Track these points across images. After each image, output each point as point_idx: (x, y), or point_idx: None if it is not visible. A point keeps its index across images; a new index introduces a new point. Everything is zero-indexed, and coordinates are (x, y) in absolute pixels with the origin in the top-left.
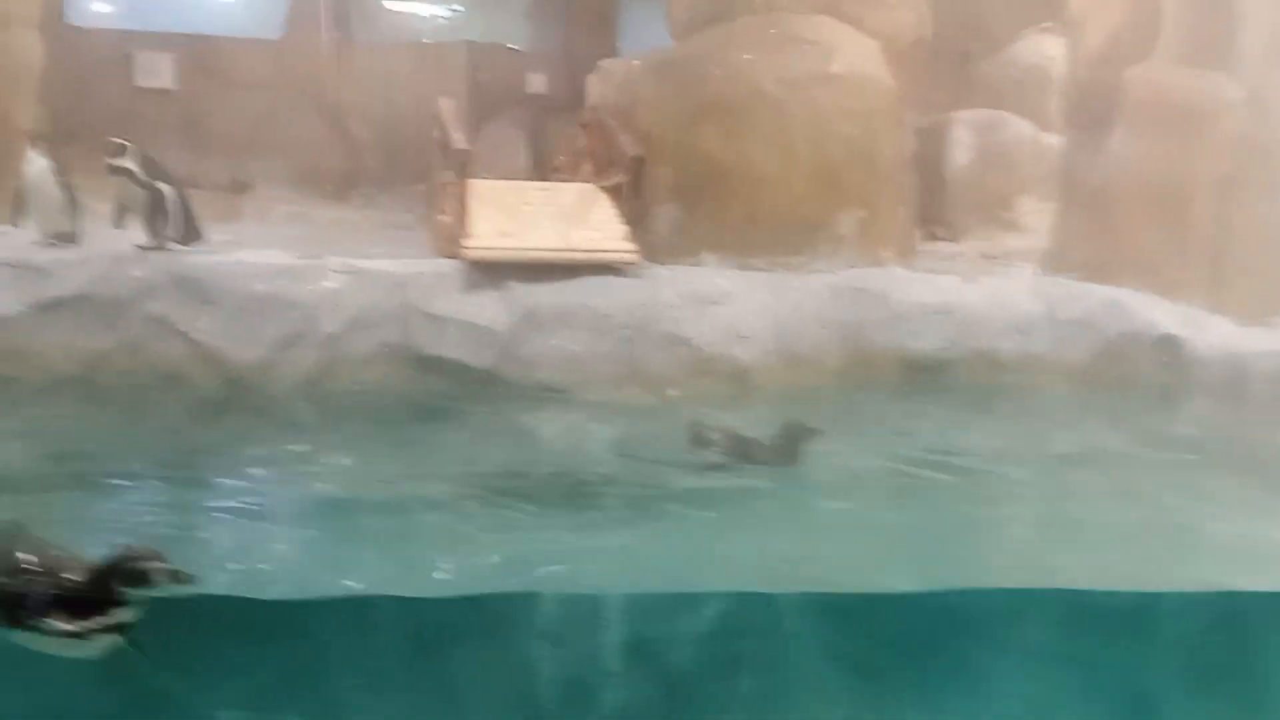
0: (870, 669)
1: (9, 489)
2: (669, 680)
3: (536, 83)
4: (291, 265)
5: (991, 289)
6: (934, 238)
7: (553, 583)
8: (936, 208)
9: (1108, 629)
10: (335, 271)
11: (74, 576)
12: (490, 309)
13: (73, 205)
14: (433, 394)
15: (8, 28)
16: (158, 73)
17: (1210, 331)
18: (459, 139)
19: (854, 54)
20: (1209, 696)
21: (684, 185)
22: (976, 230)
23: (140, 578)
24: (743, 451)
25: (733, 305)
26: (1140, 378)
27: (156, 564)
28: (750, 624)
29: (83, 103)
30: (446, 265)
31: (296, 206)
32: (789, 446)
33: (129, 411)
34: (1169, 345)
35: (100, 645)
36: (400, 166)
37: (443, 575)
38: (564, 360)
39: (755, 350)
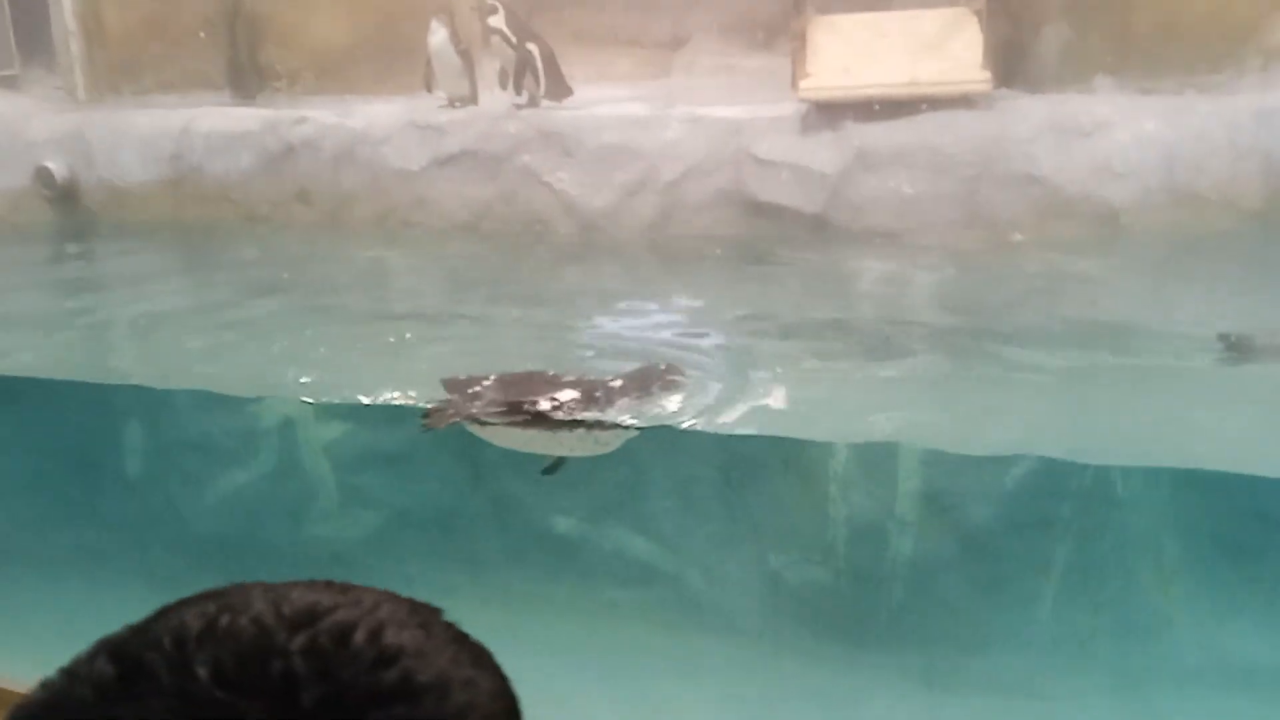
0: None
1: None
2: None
3: None
4: (640, 115)
5: None
6: None
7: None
8: None
9: None
10: (678, 121)
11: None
12: (823, 151)
13: (471, 69)
14: (762, 239)
15: None
16: None
17: None
18: None
19: None
20: None
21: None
22: None
23: (674, 386)
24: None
25: (1108, 136)
26: None
27: (681, 377)
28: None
29: None
30: (786, 108)
31: (725, 58)
32: None
33: (507, 253)
34: None
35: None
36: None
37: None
38: (898, 203)
39: (1132, 188)
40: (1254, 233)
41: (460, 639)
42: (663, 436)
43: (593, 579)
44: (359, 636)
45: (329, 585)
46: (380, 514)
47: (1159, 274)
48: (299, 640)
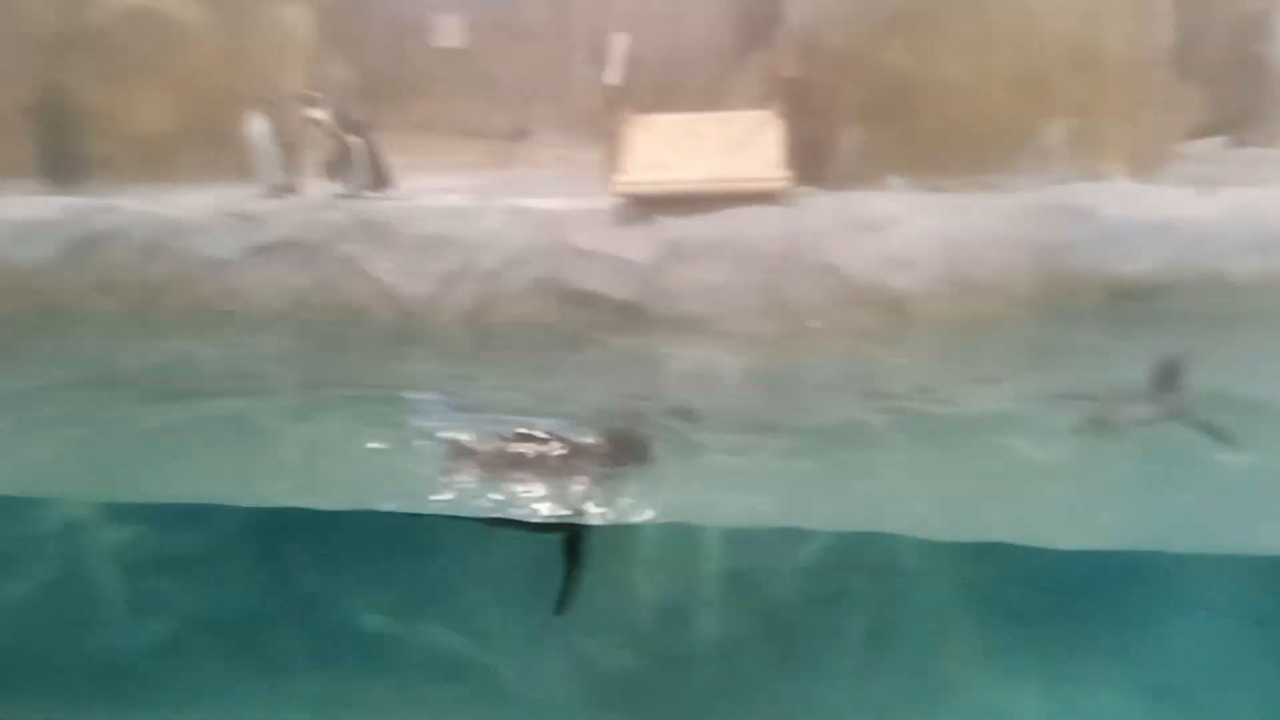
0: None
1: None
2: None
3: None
4: (460, 206)
5: (1232, 201)
6: (1243, 142)
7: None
8: (1254, 108)
9: None
10: (498, 211)
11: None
12: (636, 243)
13: (289, 161)
14: (579, 325)
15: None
16: (451, 32)
17: None
18: (611, 74)
19: None
20: None
21: (869, 104)
22: None
23: (643, 451)
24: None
25: (894, 231)
26: None
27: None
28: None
29: (389, 63)
30: (601, 201)
31: (565, 150)
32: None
33: (325, 341)
34: None
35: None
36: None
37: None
38: (706, 291)
39: (917, 278)
40: (1020, 318)
41: None
42: (473, 527)
43: (403, 677)
44: None
45: None
46: (172, 621)
47: (944, 357)
48: None
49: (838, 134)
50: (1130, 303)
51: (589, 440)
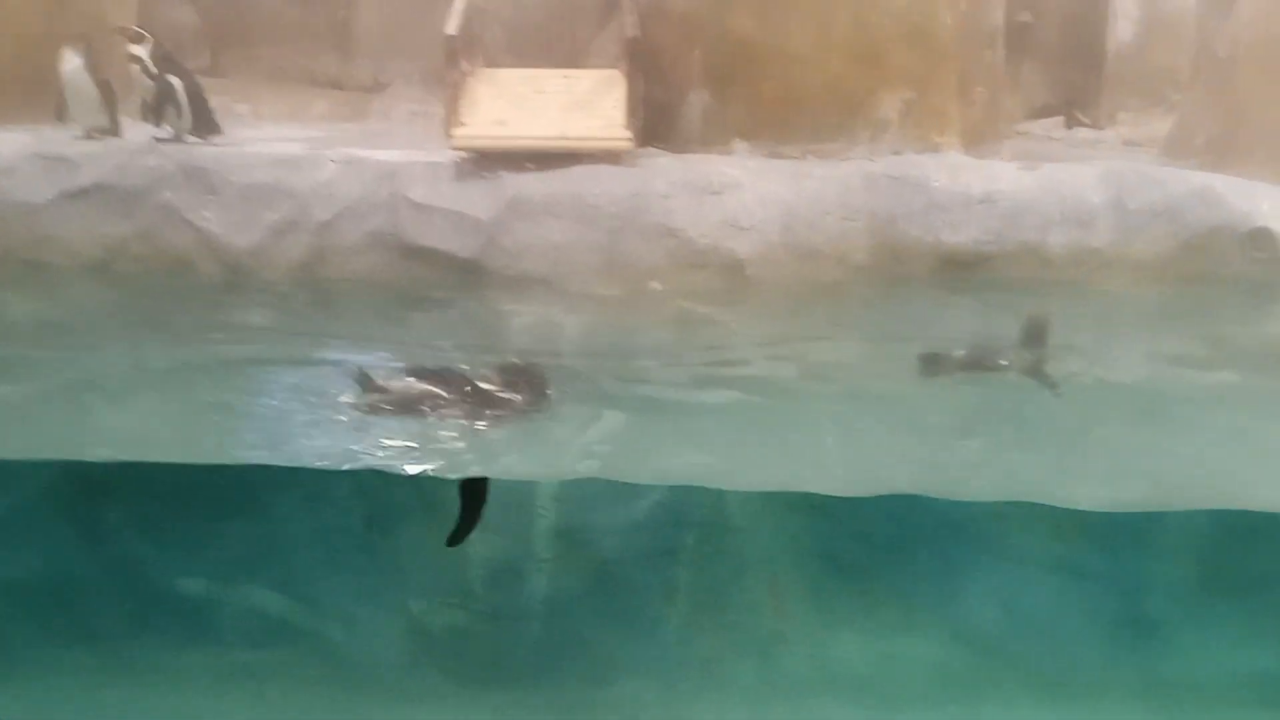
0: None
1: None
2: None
3: None
4: (291, 155)
5: (1048, 176)
6: (1077, 122)
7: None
8: (1086, 88)
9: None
10: (332, 162)
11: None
12: (477, 198)
13: (112, 100)
14: (419, 283)
15: None
16: None
17: None
18: (451, 25)
19: None
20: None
21: (715, 68)
22: (1140, 114)
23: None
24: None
25: (735, 195)
26: (1226, 276)
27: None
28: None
29: (235, 6)
30: (442, 155)
31: (424, 105)
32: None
33: (145, 293)
34: (1264, 239)
35: None
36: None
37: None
38: (548, 250)
39: (755, 243)
40: (855, 284)
41: None
42: (303, 483)
43: (225, 643)
44: None
45: None
46: None
47: (782, 320)
48: None
49: (685, 97)
50: (958, 270)
51: (492, 381)
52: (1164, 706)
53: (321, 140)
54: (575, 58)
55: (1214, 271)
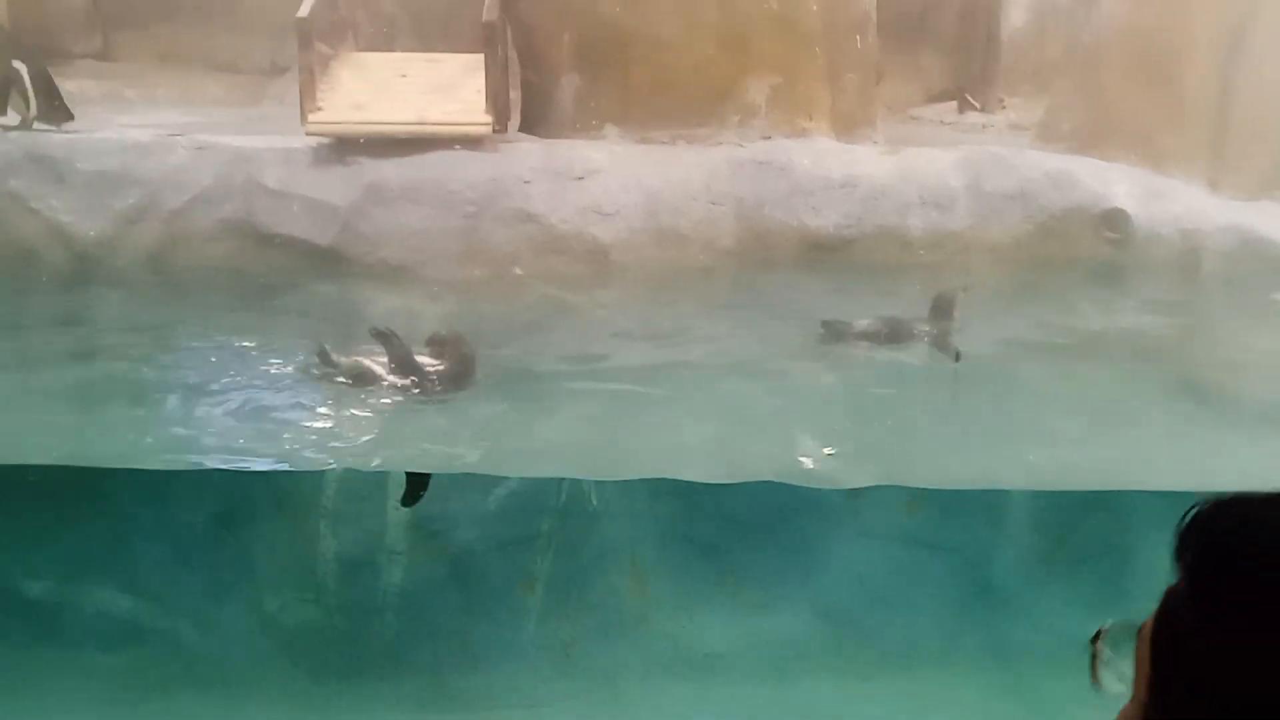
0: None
1: None
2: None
3: None
4: (142, 142)
5: (908, 161)
6: (968, 107)
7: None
8: (979, 75)
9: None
10: (184, 148)
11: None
12: (333, 185)
13: None
14: (274, 271)
15: None
16: None
17: (1174, 204)
18: (304, 8)
19: None
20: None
21: (585, 53)
22: (1030, 99)
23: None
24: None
25: (598, 180)
26: (1079, 256)
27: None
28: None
29: None
30: (297, 140)
31: None
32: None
33: None
34: (1115, 220)
35: None
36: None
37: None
38: (406, 236)
39: (619, 228)
40: (723, 268)
41: None
42: (148, 480)
43: (74, 645)
44: None
45: None
46: None
47: (646, 305)
48: None
49: (558, 82)
50: (821, 254)
51: (426, 359)
52: (1010, 670)
53: (203, 126)
54: (454, 44)
55: (1067, 252)
